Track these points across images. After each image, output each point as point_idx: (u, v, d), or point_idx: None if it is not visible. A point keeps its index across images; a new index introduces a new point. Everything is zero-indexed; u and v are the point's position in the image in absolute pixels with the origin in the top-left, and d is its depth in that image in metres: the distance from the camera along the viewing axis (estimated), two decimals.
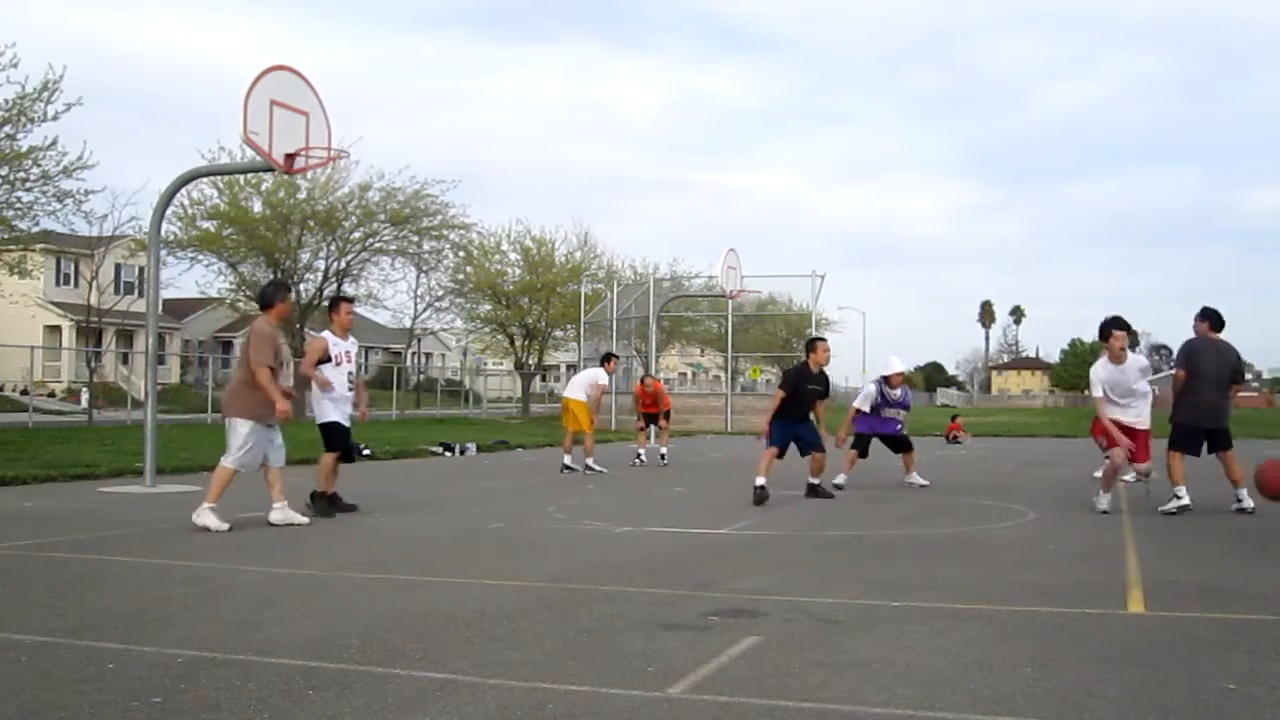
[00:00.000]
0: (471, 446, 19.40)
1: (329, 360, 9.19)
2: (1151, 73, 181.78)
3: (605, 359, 16.28)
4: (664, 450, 16.79)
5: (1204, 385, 9.43)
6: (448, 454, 18.65)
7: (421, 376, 55.72)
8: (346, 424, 9.34)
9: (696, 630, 4.76)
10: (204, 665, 4.09)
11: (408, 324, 46.34)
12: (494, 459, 18.01)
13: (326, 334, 9.41)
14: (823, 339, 11.48)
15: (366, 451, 17.20)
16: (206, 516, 8.05)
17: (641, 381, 17.89)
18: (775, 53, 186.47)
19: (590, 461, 14.71)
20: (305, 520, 8.54)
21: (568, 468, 14.58)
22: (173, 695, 3.71)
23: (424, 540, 7.93)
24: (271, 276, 34.16)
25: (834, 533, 8.35)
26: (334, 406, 9.22)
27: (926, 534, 8.32)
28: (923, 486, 12.16)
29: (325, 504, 9.12)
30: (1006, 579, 6.21)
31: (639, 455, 16.46)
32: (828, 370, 11.10)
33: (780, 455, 10.66)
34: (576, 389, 15.23)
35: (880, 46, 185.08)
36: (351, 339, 9.48)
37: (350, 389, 9.29)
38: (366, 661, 4.16)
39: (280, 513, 8.43)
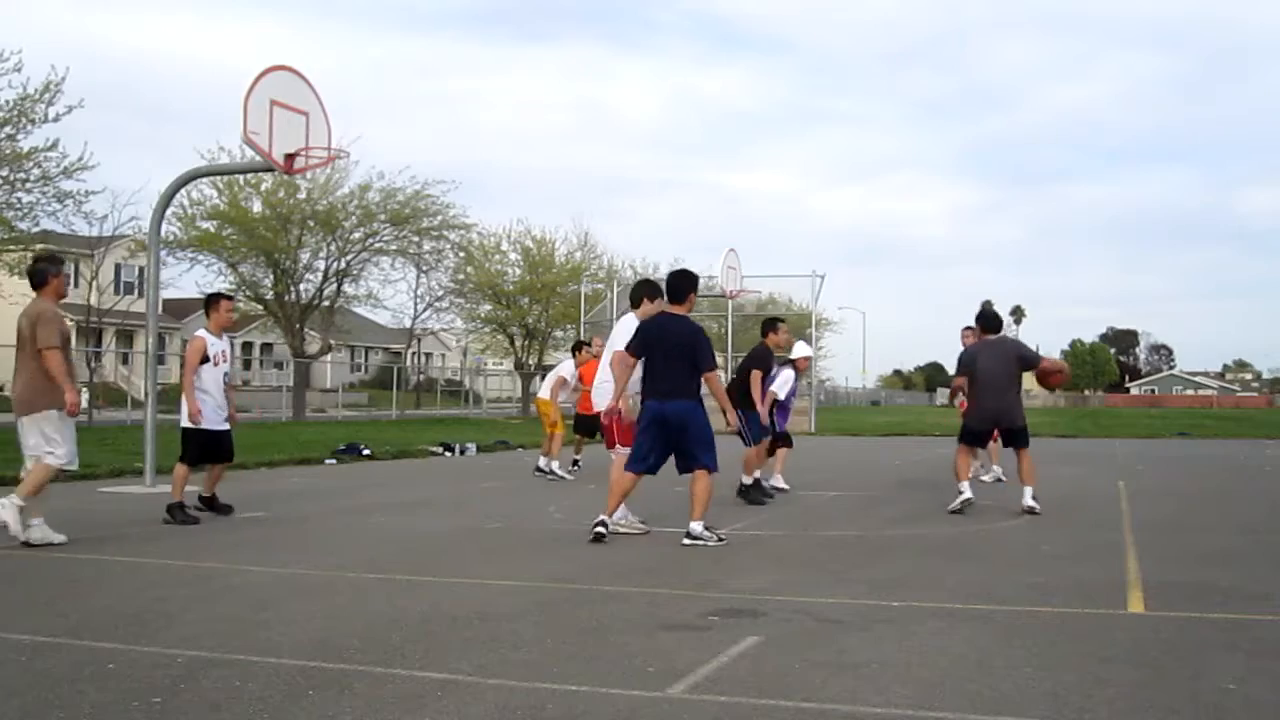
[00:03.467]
0: (471, 446, 19.38)
1: (208, 360, 8.78)
2: (1151, 73, 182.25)
3: (575, 348, 14.33)
4: (577, 456, 14.42)
5: (983, 390, 9.49)
6: (448, 454, 18.64)
7: (421, 376, 55.71)
8: (216, 429, 8.83)
9: (696, 630, 4.76)
10: (204, 665, 4.09)
11: (408, 324, 46.34)
12: (494, 459, 18.00)
13: (203, 333, 8.95)
14: (781, 319, 11.23)
15: (366, 451, 17.21)
16: (8, 512, 7.08)
17: (585, 348, 13.91)
18: (775, 53, 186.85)
19: (545, 463, 13.34)
20: (61, 539, 7.30)
21: (540, 470, 13.39)
22: (173, 695, 3.71)
23: (424, 540, 7.92)
24: (271, 277, 34.19)
25: (834, 533, 8.35)
26: (210, 411, 8.76)
27: (926, 534, 8.32)
28: (784, 490, 11.42)
29: (200, 508, 8.86)
30: (1006, 579, 6.21)
31: (575, 462, 14.14)
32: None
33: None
34: (545, 388, 14.08)
35: (880, 46, 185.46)
36: (226, 338, 9.11)
37: (223, 390, 8.89)
38: (366, 661, 4.16)
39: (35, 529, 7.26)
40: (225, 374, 8.92)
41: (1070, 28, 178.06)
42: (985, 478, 12.82)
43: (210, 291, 9.72)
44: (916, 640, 4.60)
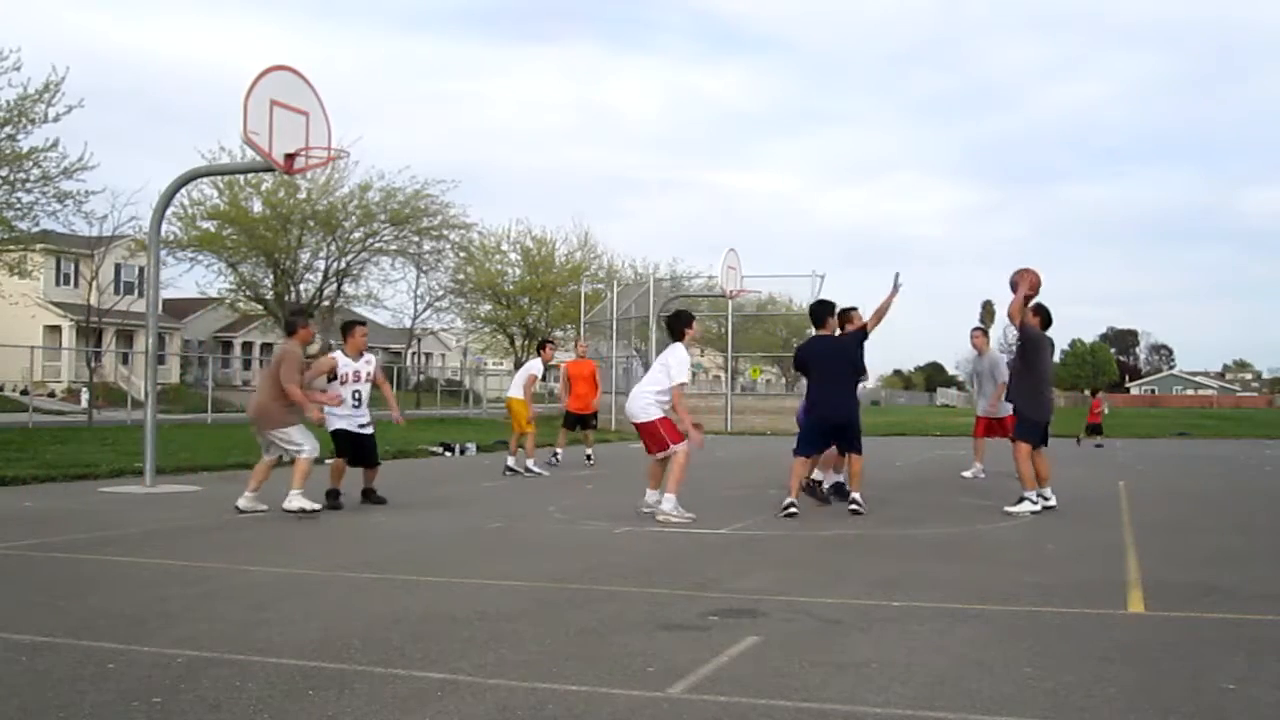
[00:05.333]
0: (471, 446, 19.38)
1: (335, 378, 9.80)
2: (1151, 73, 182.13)
3: (540, 346, 15.12)
4: (589, 450, 15.71)
5: (1047, 387, 10.07)
6: (448, 454, 18.63)
7: (421, 376, 55.71)
8: (351, 429, 9.83)
9: (696, 630, 4.76)
10: (204, 665, 4.09)
11: (408, 324, 46.35)
12: (494, 459, 17.97)
13: (338, 354, 9.95)
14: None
15: None
16: (297, 500, 9.05)
17: (549, 345, 15.28)
18: (776, 53, 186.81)
19: (530, 463, 13.80)
20: (316, 507, 9.19)
21: (510, 470, 13.84)
22: (173, 695, 3.71)
23: (424, 540, 7.93)
24: (271, 277, 34.19)
25: (834, 533, 8.35)
26: (339, 418, 9.77)
27: (927, 534, 8.32)
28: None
29: (334, 499, 9.66)
30: (1006, 579, 6.21)
31: (556, 455, 15.15)
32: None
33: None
34: (516, 386, 14.38)
35: (880, 46, 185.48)
36: (366, 357, 10.02)
37: (356, 405, 9.86)
38: (366, 661, 4.16)
39: (295, 500, 9.12)
40: (355, 391, 9.86)
41: (1070, 27, 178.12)
42: (966, 474, 13.42)
43: (346, 320, 10.74)
44: (916, 640, 4.60)
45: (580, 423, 15.46)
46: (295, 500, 9.08)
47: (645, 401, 8.98)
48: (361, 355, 9.97)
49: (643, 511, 9.07)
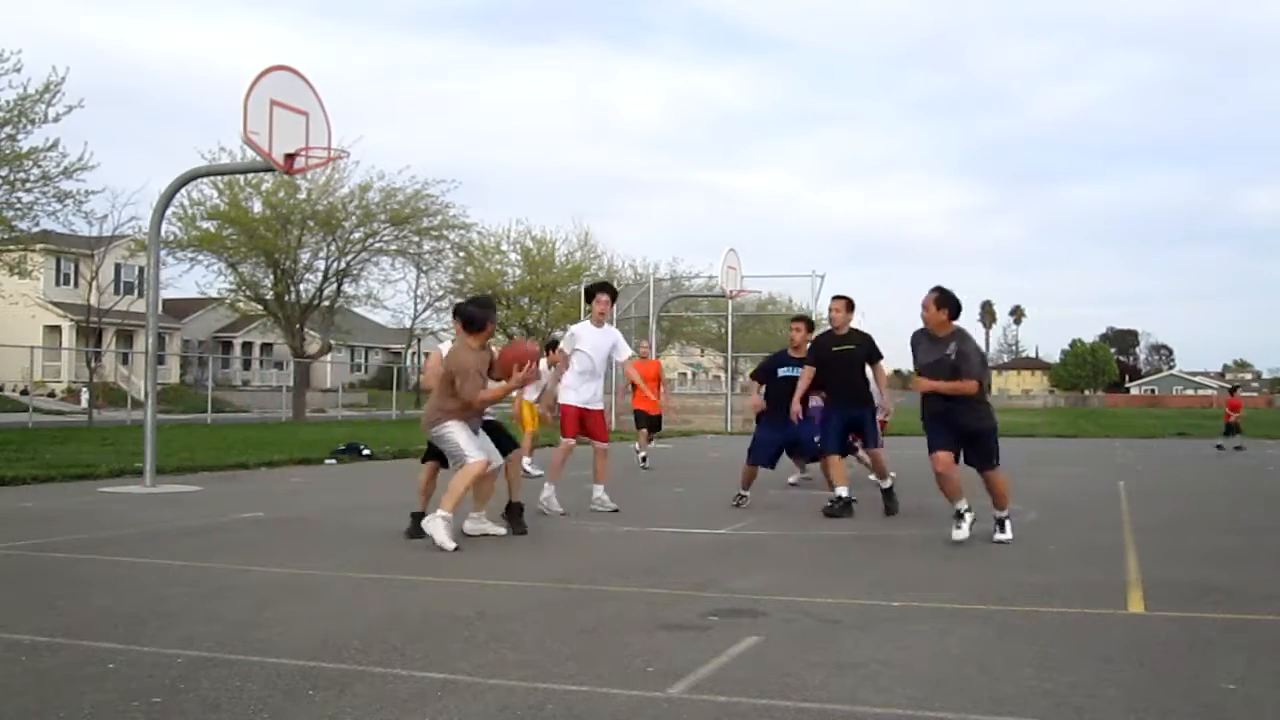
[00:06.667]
0: None
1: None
2: (1150, 73, 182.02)
3: (549, 346, 14.61)
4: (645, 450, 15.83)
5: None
6: None
7: (422, 376, 55.66)
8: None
9: (696, 630, 4.76)
10: (204, 665, 4.08)
11: (408, 324, 46.36)
12: None
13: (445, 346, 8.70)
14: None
15: (366, 451, 17.19)
16: (438, 528, 7.16)
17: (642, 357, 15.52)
18: (775, 53, 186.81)
19: (527, 464, 13.42)
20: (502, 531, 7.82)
21: (525, 472, 14.02)
22: (173, 695, 3.71)
23: (424, 540, 7.91)
24: (271, 277, 34.16)
25: (834, 533, 8.35)
26: None
27: (926, 534, 8.31)
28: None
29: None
30: (1006, 579, 6.21)
31: (643, 459, 15.55)
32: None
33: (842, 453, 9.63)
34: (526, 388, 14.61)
35: (880, 47, 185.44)
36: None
37: None
38: (366, 661, 4.16)
39: (473, 523, 7.80)
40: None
41: (1070, 28, 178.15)
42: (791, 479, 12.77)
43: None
44: (916, 640, 4.60)
45: (649, 424, 16.08)
46: (469, 523, 7.49)
47: (562, 387, 9.48)
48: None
49: (593, 509, 9.44)
